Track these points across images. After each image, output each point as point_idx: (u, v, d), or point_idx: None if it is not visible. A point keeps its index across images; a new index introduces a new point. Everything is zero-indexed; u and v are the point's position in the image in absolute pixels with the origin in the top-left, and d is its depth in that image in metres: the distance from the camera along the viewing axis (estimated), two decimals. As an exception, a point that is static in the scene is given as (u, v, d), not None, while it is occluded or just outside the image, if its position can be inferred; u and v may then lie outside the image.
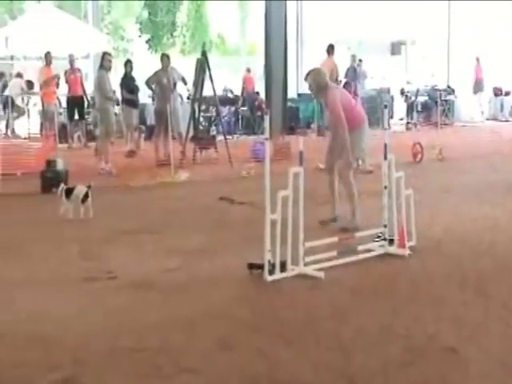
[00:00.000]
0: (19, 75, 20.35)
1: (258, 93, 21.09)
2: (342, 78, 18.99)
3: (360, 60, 24.13)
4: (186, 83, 15.00)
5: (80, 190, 8.78)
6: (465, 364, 4.37)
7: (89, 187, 8.82)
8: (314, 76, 8.12)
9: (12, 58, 24.32)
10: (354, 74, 20.09)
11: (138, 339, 4.84)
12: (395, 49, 34.29)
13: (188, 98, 16.25)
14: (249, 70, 24.25)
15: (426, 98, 22.08)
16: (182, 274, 6.38)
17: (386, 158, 6.93)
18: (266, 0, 16.02)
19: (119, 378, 4.27)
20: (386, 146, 6.99)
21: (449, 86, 23.87)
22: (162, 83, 13.87)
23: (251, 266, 6.24)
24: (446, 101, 21.85)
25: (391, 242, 6.91)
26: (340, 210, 8.26)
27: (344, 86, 13.46)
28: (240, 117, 19.92)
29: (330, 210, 8.32)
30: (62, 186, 8.99)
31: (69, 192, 8.81)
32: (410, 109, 22.02)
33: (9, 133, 19.14)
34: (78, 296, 5.84)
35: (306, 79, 8.23)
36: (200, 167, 13.06)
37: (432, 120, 20.49)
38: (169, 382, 4.19)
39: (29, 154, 13.30)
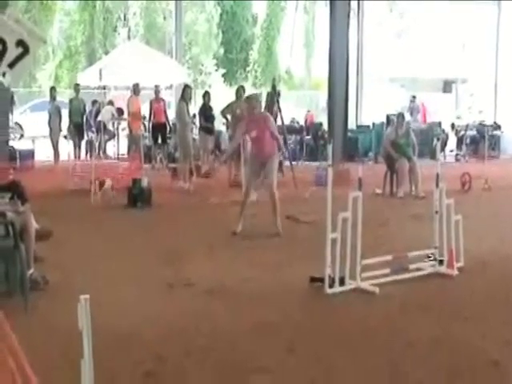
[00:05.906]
0: (111, 103, 20.70)
1: (321, 124, 21.08)
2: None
3: (414, 96, 23.96)
4: None
5: None
6: (507, 377, 4.32)
7: None
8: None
9: (105, 87, 24.85)
10: None
11: (212, 340, 4.91)
12: (446, 87, 33.94)
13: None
14: (309, 111, 25.86)
15: (475, 132, 21.74)
16: (251, 284, 6.44)
17: (437, 186, 6.90)
18: (331, 39, 16.02)
19: (196, 374, 4.34)
20: (437, 175, 6.96)
21: (495, 122, 23.42)
22: (235, 113, 13.97)
23: (313, 279, 6.27)
24: (492, 135, 21.45)
25: (441, 262, 6.86)
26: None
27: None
28: (304, 145, 19.95)
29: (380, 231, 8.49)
30: None
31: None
32: (460, 142, 21.73)
33: (101, 153, 19.57)
34: (159, 299, 5.95)
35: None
36: (267, 189, 13.08)
37: (479, 153, 20.17)
38: (241, 380, 4.25)
39: (117, 172, 13.55)
